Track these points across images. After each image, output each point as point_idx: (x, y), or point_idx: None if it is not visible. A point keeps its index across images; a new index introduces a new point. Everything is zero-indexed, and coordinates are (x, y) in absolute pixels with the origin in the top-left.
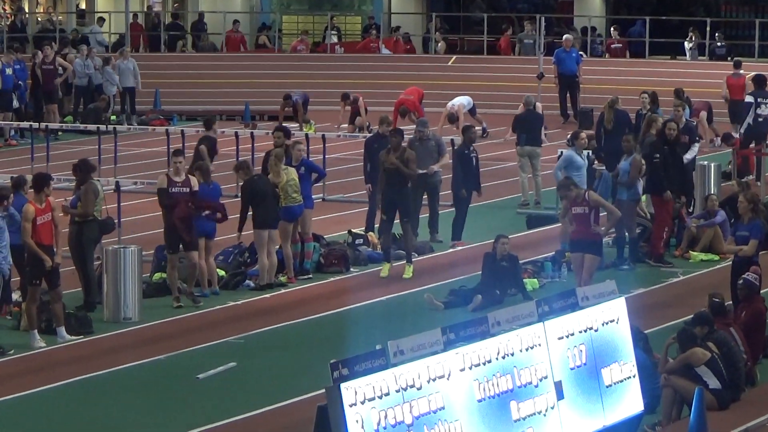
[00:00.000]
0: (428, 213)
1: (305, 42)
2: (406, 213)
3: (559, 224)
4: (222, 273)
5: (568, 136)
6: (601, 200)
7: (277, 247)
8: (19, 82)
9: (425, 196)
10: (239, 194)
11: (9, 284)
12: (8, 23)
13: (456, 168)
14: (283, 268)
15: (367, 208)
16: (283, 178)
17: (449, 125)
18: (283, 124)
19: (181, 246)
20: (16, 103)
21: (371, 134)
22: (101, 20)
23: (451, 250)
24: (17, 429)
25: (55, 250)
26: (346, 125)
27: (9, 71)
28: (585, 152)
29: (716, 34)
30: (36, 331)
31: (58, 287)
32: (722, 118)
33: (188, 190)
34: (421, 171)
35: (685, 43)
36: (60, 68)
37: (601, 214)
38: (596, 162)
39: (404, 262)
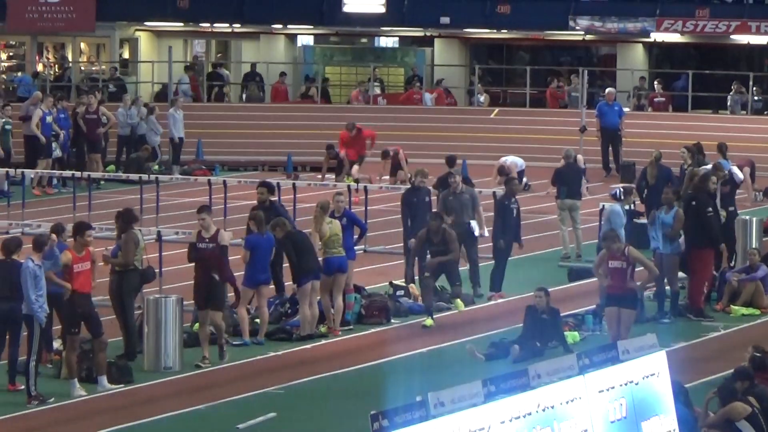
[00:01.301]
0: (468, 265)
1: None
2: (456, 278)
3: None
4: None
5: (617, 190)
6: (640, 256)
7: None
8: (62, 131)
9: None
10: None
11: (49, 332)
12: (53, 73)
13: (496, 219)
14: (323, 318)
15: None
16: (326, 232)
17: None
18: (275, 181)
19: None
20: (58, 152)
21: (407, 188)
22: (189, 68)
23: (492, 302)
24: None
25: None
26: (388, 177)
27: (50, 119)
28: (626, 207)
29: (754, 88)
30: (76, 380)
31: (101, 335)
32: (764, 173)
33: (214, 245)
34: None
35: (729, 96)
36: (103, 117)
37: (637, 269)
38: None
39: (443, 314)
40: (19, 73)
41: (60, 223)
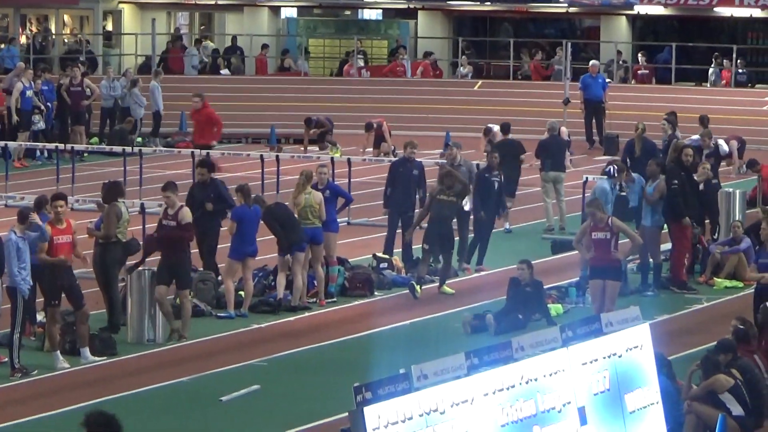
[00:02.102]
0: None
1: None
2: (450, 246)
3: None
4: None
5: (611, 168)
6: (623, 226)
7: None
8: (47, 104)
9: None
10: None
11: (32, 304)
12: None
13: (476, 192)
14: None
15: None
16: (302, 202)
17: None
18: (259, 153)
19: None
20: (42, 125)
21: (397, 158)
22: (198, 41)
23: (475, 274)
24: None
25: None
26: (371, 149)
27: (30, 93)
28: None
29: (738, 61)
30: (58, 352)
31: (82, 307)
32: (749, 146)
33: (175, 223)
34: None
35: (710, 69)
36: (87, 90)
37: (621, 241)
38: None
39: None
40: (2, 45)
41: (42, 196)
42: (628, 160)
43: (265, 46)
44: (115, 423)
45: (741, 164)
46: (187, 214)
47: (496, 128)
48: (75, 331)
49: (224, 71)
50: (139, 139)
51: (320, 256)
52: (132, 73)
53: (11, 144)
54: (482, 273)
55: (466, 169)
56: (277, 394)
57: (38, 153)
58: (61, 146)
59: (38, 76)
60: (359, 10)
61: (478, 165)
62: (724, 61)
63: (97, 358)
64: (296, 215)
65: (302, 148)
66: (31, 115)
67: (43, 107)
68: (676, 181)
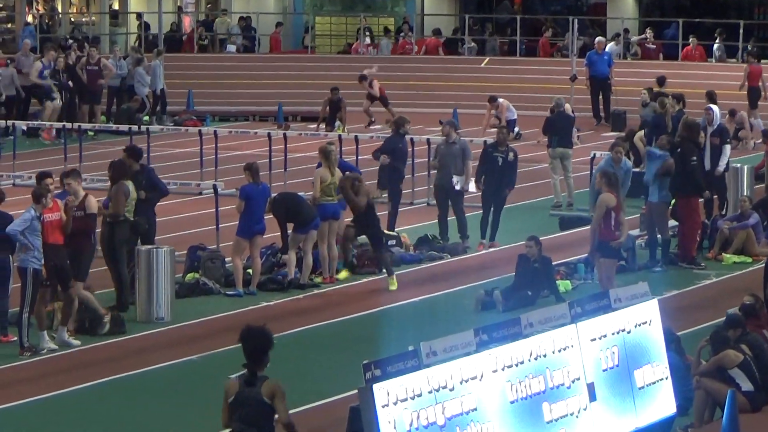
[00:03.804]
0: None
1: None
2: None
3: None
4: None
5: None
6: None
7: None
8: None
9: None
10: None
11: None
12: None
13: (479, 167)
14: (317, 268)
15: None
16: (327, 178)
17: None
18: (267, 131)
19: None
20: (59, 103)
21: (393, 135)
22: (242, 19)
23: (483, 251)
24: (48, 429)
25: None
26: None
27: (47, 72)
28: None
29: (751, 39)
30: (45, 332)
31: (69, 289)
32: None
33: (83, 213)
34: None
35: (714, 45)
36: (105, 69)
37: (629, 217)
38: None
39: (435, 263)
40: (9, 25)
41: (45, 171)
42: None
43: (279, 24)
44: (268, 335)
45: (753, 138)
46: (92, 203)
47: (503, 100)
48: (85, 310)
49: (231, 47)
50: (146, 118)
51: (335, 232)
52: (136, 51)
53: (18, 123)
54: (491, 249)
55: (459, 147)
56: (287, 372)
57: (53, 132)
58: (68, 125)
59: (57, 56)
60: None
61: (485, 141)
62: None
63: (74, 341)
64: (319, 192)
65: (312, 125)
66: (50, 93)
67: (58, 85)
68: (694, 158)
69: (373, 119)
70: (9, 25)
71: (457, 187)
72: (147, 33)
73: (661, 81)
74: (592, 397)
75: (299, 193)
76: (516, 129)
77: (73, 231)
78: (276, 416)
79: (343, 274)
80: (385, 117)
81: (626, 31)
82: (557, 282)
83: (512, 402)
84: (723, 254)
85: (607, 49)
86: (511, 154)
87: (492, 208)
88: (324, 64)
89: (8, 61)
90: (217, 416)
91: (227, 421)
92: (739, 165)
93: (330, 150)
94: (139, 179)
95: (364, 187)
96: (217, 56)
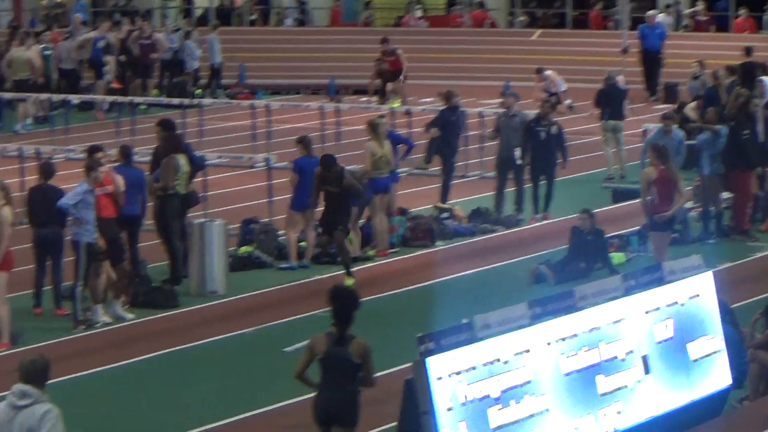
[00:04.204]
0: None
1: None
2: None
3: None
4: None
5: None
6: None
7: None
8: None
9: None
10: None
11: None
12: None
13: (523, 141)
14: (370, 241)
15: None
16: (378, 151)
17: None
18: (318, 104)
19: None
20: (110, 77)
21: (445, 108)
22: None
23: (536, 224)
24: (102, 402)
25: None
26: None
27: (101, 44)
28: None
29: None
30: (99, 306)
31: (121, 262)
32: None
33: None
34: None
35: (765, 17)
36: (158, 43)
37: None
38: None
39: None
40: None
41: (95, 145)
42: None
43: None
44: (356, 295)
45: None
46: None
47: (550, 72)
48: (139, 284)
49: (287, 21)
50: (198, 91)
51: (386, 205)
52: (187, 25)
53: (71, 96)
54: (544, 222)
55: (519, 120)
56: None
57: (105, 106)
58: (120, 99)
59: (110, 29)
60: None
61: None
62: None
63: (130, 315)
64: (370, 166)
65: (363, 98)
66: (102, 66)
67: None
68: (746, 131)
69: (396, 95)
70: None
71: (519, 162)
72: (196, 6)
73: (749, 51)
74: (647, 369)
75: (348, 167)
76: (568, 101)
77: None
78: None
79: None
80: (395, 87)
81: (677, 2)
82: (610, 254)
83: (566, 374)
84: None
85: (658, 20)
86: (554, 128)
87: (543, 182)
88: (375, 37)
89: (67, 35)
90: (272, 388)
91: (302, 373)
92: None
93: (377, 123)
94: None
95: (346, 181)
96: (269, 29)
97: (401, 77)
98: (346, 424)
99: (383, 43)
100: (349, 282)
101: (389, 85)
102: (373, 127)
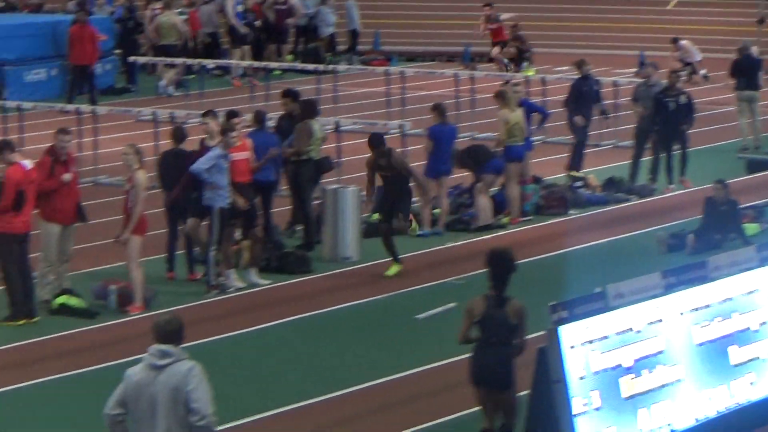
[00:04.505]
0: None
1: None
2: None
3: None
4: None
5: None
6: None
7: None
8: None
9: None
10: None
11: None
12: None
13: (654, 113)
14: (503, 209)
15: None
16: (511, 119)
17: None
18: (452, 72)
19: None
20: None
21: (578, 78)
22: None
23: (668, 194)
24: (235, 367)
25: None
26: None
27: (240, 8)
28: None
29: None
30: (232, 271)
31: (253, 228)
32: None
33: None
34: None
35: None
36: (293, 8)
37: None
38: None
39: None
40: None
41: (233, 110)
42: None
43: None
44: (513, 258)
45: None
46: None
47: (685, 41)
48: (271, 249)
49: None
50: (330, 57)
51: (519, 173)
52: None
53: (206, 61)
54: (678, 192)
55: (659, 90)
56: None
57: (241, 71)
58: (256, 64)
59: None
60: None
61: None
62: None
63: (263, 281)
64: (505, 135)
65: (496, 66)
66: (243, 36)
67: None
68: None
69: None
70: None
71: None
72: None
73: None
74: None
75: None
76: (703, 71)
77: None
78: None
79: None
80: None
81: None
82: (744, 225)
83: (699, 344)
84: None
85: None
86: (683, 97)
87: (676, 151)
88: (513, 5)
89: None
90: (407, 355)
91: (466, 338)
92: None
93: (504, 91)
94: (293, 123)
95: (395, 159)
96: None
97: (505, 49)
98: (501, 386)
99: (486, 7)
100: (395, 269)
101: (493, 51)
102: (501, 96)
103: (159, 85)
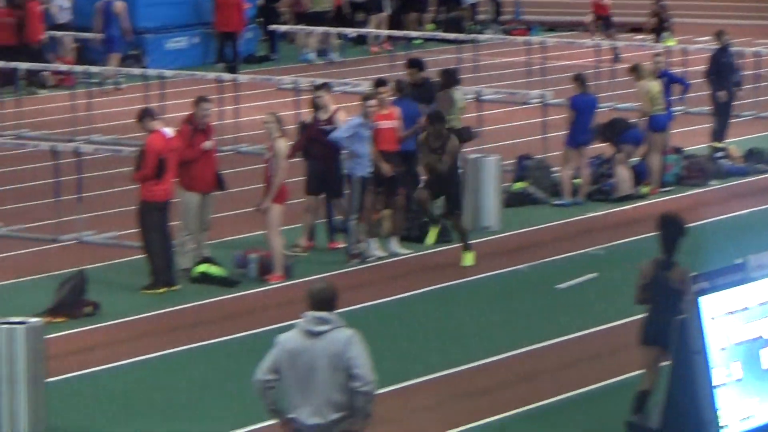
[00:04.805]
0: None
1: None
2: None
3: None
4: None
5: None
6: None
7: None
8: None
9: None
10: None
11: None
12: None
13: None
14: (643, 179)
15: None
16: (652, 88)
17: None
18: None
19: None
20: (389, 10)
21: (717, 50)
22: None
23: None
24: (376, 335)
25: None
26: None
27: None
28: None
29: None
30: (373, 240)
31: (395, 196)
32: None
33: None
34: None
35: None
36: None
37: None
38: None
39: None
40: None
41: (381, 78)
42: None
43: None
44: (685, 223)
45: None
46: (340, 119)
47: None
48: (414, 218)
49: None
50: (471, 26)
51: (662, 143)
52: None
53: (348, 30)
54: None
55: None
56: (614, 283)
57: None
58: (396, 33)
59: None
60: None
61: None
62: None
63: (403, 250)
64: (649, 105)
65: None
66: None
67: None
68: None
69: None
70: None
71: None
72: None
73: None
74: None
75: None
76: None
77: (321, 144)
78: None
79: (431, 237)
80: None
81: None
82: None
83: None
84: None
85: None
86: None
87: None
88: None
89: None
90: (547, 324)
91: (641, 300)
92: None
93: (637, 65)
94: (421, 91)
95: (451, 144)
96: None
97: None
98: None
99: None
100: (469, 257)
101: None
102: (636, 70)
103: (304, 53)
